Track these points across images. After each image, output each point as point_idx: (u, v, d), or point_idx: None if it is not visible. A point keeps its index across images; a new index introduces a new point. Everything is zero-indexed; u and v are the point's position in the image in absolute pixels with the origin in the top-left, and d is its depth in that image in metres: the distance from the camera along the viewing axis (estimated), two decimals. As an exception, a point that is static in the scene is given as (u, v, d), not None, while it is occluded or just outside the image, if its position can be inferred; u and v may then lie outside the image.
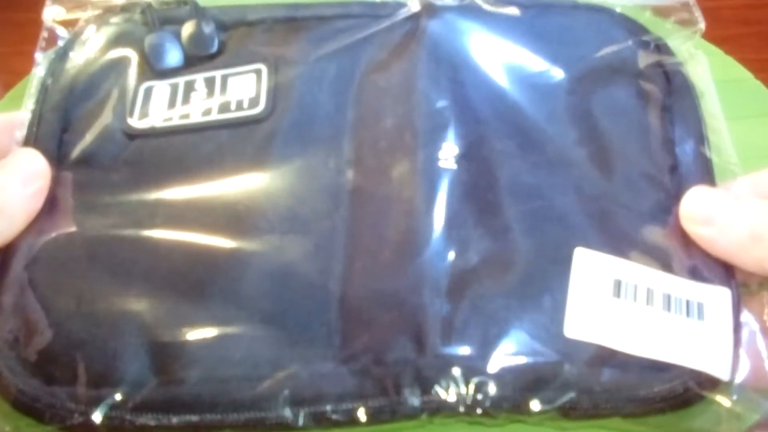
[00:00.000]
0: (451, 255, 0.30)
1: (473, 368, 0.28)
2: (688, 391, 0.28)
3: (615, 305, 0.29)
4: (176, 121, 0.34)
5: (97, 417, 0.28)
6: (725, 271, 0.31)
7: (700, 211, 0.31)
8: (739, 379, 0.29)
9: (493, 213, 0.31)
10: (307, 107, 0.34)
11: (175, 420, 0.28)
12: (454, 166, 0.32)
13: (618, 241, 0.31)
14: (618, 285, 0.30)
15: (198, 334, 0.29)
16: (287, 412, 0.28)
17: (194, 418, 0.28)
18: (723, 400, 0.28)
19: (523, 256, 0.30)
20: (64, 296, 0.30)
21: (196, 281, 0.30)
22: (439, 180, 0.32)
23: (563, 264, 0.30)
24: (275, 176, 0.33)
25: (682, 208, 0.31)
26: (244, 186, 0.32)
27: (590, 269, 0.30)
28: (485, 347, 0.29)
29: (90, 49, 0.37)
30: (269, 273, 0.30)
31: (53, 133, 0.34)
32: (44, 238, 0.31)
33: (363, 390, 0.28)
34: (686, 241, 0.31)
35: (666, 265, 0.31)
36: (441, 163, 0.32)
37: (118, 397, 0.28)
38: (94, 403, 0.28)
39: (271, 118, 0.34)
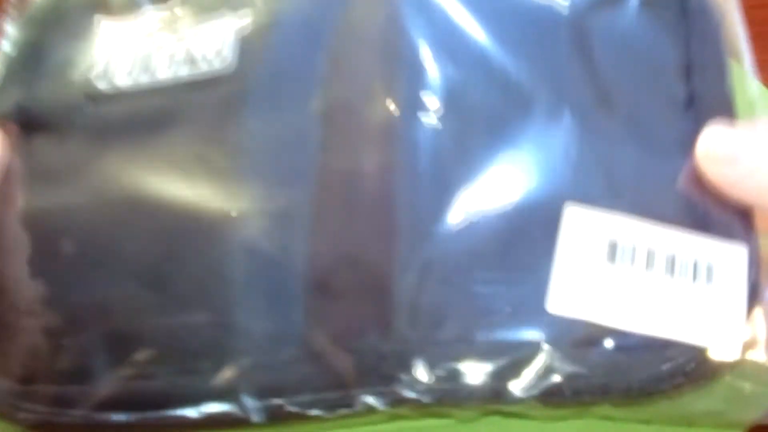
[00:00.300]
0: (427, 224, 0.27)
1: (443, 354, 0.25)
2: (689, 373, 0.24)
3: (608, 272, 0.26)
4: (141, 80, 0.31)
5: (61, 416, 0.27)
6: (743, 225, 0.26)
7: (723, 150, 0.27)
8: (753, 354, 0.25)
9: (475, 173, 0.28)
10: (277, 61, 0.30)
11: (136, 417, 0.26)
12: (435, 123, 0.28)
13: (617, 191, 0.27)
14: (614, 247, 0.26)
15: (159, 323, 0.27)
16: (249, 405, 0.26)
17: (157, 414, 0.26)
18: (733, 380, 0.25)
19: (508, 221, 0.27)
20: (25, 284, 0.28)
21: (157, 263, 0.28)
22: (417, 139, 0.28)
23: (552, 226, 0.26)
24: (243, 143, 0.29)
25: (701, 147, 0.27)
26: (211, 154, 0.29)
27: (582, 230, 0.26)
28: (456, 330, 0.25)
29: (53, 12, 0.34)
30: (231, 252, 0.27)
31: (14, 103, 0.31)
32: (4, 217, 0.29)
33: (324, 380, 0.26)
34: (699, 188, 0.27)
35: (673, 219, 0.27)
36: (420, 120, 0.28)
37: (81, 394, 0.27)
38: (59, 402, 0.27)
39: (239, 74, 0.30)
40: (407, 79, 0.29)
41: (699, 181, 0.27)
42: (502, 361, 0.25)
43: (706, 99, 0.29)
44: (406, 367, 0.25)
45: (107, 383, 0.27)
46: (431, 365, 0.25)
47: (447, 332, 0.25)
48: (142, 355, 0.27)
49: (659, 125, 0.29)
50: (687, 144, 0.27)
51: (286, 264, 0.27)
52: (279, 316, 0.27)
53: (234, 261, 0.27)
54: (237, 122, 0.29)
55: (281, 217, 0.28)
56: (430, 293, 0.26)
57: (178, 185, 0.29)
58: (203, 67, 0.31)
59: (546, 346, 0.25)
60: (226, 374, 0.26)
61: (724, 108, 0.28)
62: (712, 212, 0.27)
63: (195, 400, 0.26)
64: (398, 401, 0.25)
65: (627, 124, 0.29)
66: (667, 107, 0.29)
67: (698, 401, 0.25)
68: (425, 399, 0.25)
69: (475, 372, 0.25)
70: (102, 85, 0.31)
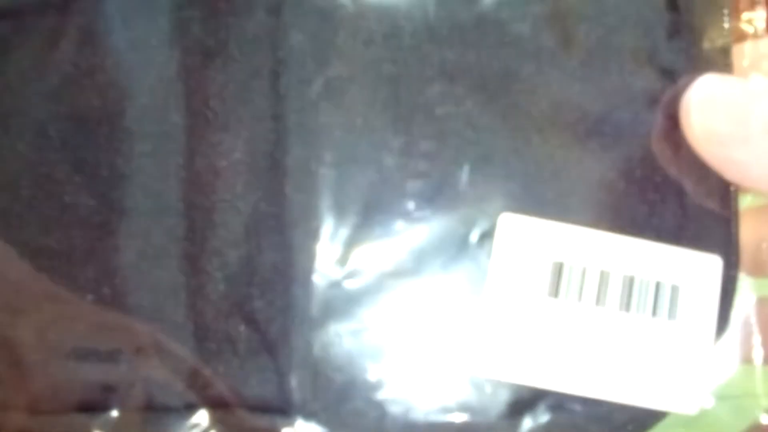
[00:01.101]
0: (319, 248, 0.20)
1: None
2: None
3: (549, 313, 0.20)
4: None
5: None
6: (720, 225, 0.21)
7: (722, 117, 0.20)
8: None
9: (376, 161, 0.21)
10: None
11: None
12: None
13: (564, 184, 0.21)
14: (558, 273, 0.20)
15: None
16: None
17: None
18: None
19: (421, 241, 0.20)
20: None
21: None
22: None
23: (480, 245, 0.20)
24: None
25: (691, 109, 0.20)
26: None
27: (519, 250, 0.20)
28: (364, 403, 0.20)
29: None
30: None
31: None
32: None
33: None
34: (673, 160, 0.21)
35: (631, 212, 0.21)
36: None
37: None
38: None
39: None
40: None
41: (674, 150, 0.21)
42: None
43: (697, 29, 0.21)
44: None
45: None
46: None
47: (353, 405, 0.20)
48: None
49: (629, 69, 0.21)
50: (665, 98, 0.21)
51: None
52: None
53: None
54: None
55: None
56: (322, 361, 0.20)
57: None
58: None
59: (471, 422, 0.20)
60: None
61: (722, 50, 0.21)
62: (684, 200, 0.21)
63: None
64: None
65: (586, 66, 0.21)
66: (642, 40, 0.21)
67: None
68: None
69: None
70: None
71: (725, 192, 0.21)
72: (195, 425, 0.21)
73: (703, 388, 0.20)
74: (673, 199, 0.21)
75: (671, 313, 0.20)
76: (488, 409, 0.20)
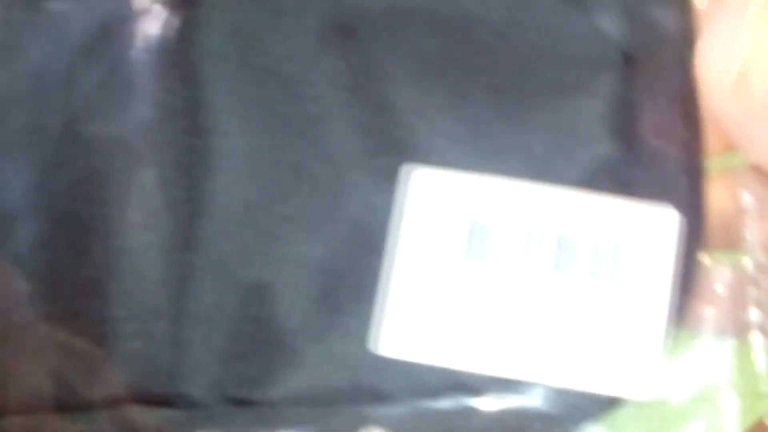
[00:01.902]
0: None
1: (240, 422, 0.18)
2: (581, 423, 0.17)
3: (466, 280, 0.17)
4: None
5: None
6: (682, 179, 0.17)
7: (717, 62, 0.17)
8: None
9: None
10: None
11: None
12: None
13: (490, 125, 0.18)
14: (477, 232, 0.17)
15: None
16: None
17: None
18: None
19: (308, 203, 0.18)
20: None
21: None
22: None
23: (384, 206, 0.18)
24: None
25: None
26: None
27: (432, 208, 0.17)
28: (256, 391, 0.18)
29: None
30: None
31: None
32: None
33: None
34: (627, 111, 0.18)
35: (572, 172, 0.18)
36: None
37: None
38: None
39: None
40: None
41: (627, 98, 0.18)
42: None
43: None
44: None
45: None
46: None
47: (250, 398, 0.18)
48: None
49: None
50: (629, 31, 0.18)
51: None
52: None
53: None
54: None
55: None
56: (229, 351, 0.18)
57: None
58: None
59: (375, 409, 0.17)
60: None
61: None
62: (637, 150, 0.18)
63: None
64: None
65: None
66: None
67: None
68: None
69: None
70: None
71: (689, 143, 0.18)
72: (95, 424, 0.19)
73: (659, 368, 0.17)
74: (623, 148, 0.18)
75: (612, 275, 0.17)
76: (397, 392, 0.17)
